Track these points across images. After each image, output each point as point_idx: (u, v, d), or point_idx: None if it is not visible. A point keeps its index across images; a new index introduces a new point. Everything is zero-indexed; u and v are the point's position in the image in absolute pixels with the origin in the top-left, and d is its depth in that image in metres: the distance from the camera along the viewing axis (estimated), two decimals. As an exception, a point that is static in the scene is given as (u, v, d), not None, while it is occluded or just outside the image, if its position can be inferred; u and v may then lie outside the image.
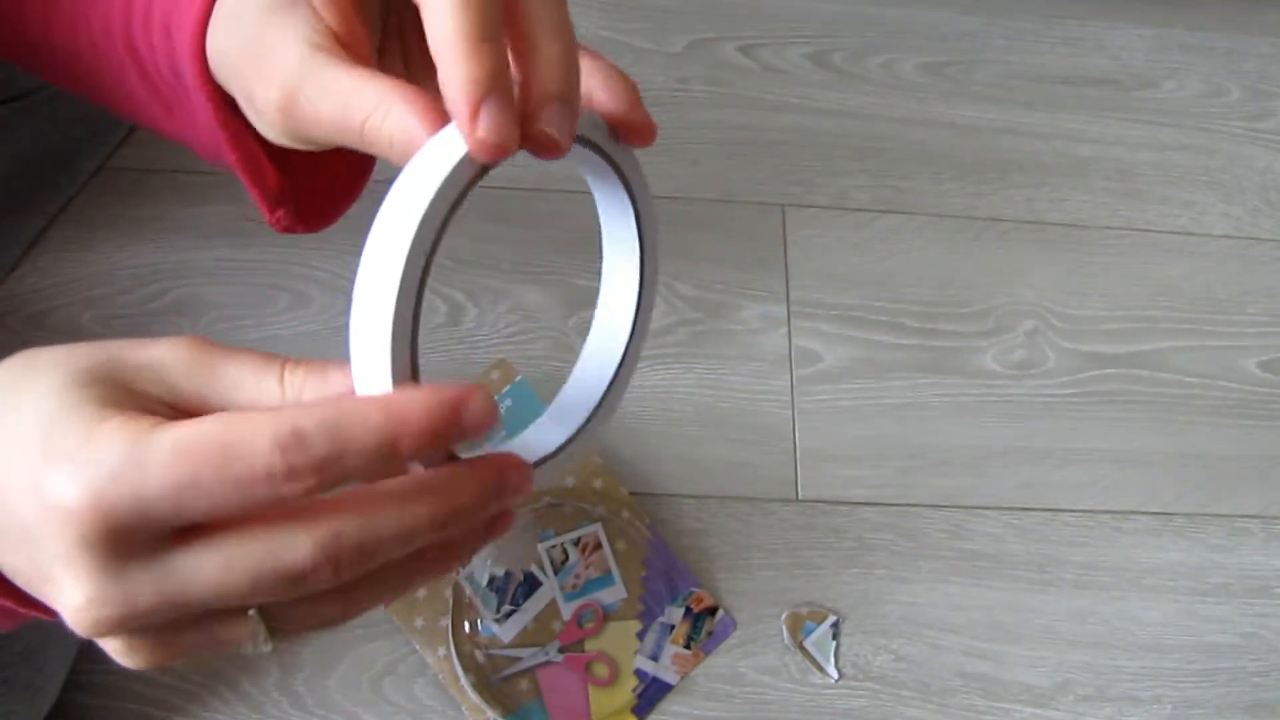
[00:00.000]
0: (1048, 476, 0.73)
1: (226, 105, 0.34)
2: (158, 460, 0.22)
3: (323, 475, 0.23)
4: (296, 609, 0.26)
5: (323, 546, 0.23)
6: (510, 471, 0.27)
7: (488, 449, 0.31)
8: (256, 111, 0.32)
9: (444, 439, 0.24)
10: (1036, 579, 0.70)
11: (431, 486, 0.25)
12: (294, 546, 0.23)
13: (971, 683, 0.66)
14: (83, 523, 0.23)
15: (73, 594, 0.24)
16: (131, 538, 0.23)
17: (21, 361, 0.26)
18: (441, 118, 0.28)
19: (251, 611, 0.26)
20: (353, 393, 0.26)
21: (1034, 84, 0.89)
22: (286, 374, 0.26)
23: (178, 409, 0.25)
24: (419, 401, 0.23)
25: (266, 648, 0.27)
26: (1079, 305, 0.80)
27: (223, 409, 0.25)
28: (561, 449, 0.33)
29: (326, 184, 0.41)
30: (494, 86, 0.26)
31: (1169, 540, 0.72)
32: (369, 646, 0.63)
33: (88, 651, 0.60)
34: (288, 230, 0.39)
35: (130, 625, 0.24)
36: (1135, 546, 0.72)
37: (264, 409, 0.24)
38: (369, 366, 0.25)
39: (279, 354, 0.27)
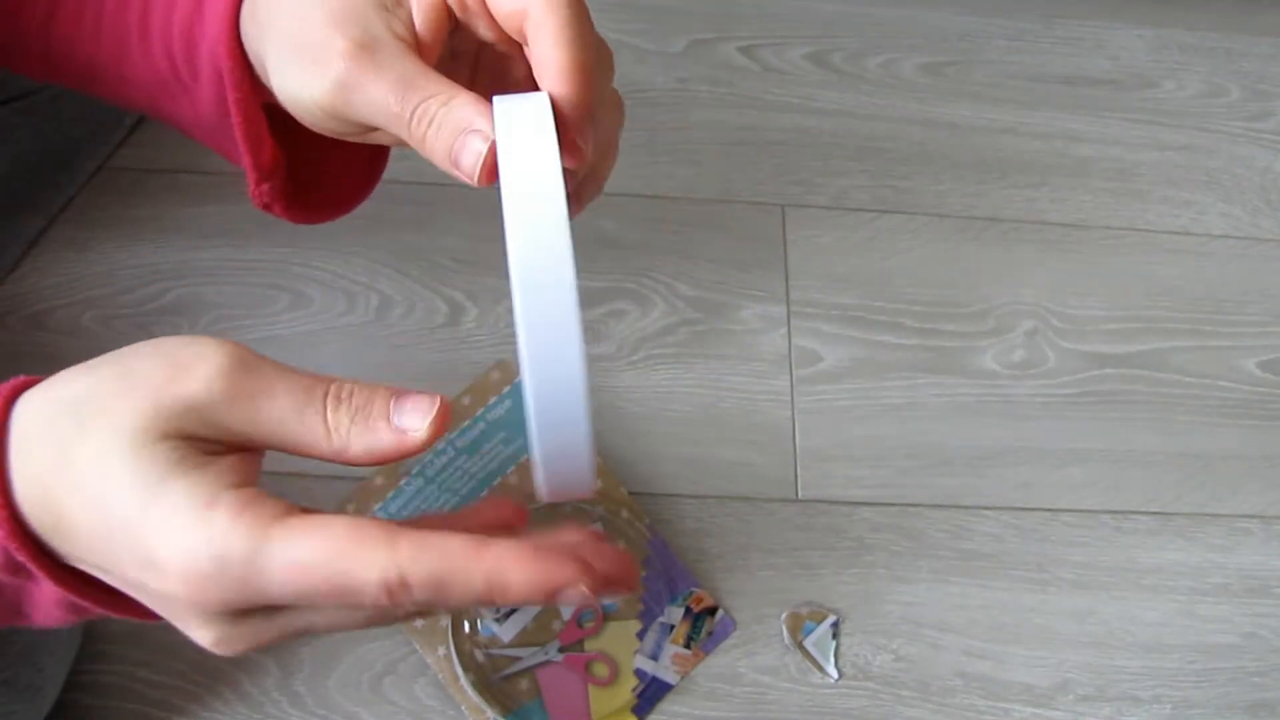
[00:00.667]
0: (1048, 476, 0.73)
1: (245, 68, 0.35)
2: (279, 574, 0.24)
3: (424, 609, 0.26)
4: None
5: (419, 606, 0.26)
6: (624, 577, 0.27)
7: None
8: (301, 82, 0.32)
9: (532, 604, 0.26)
10: (1036, 579, 0.70)
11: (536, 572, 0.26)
12: (397, 610, 0.26)
13: (971, 683, 0.66)
14: (210, 606, 0.26)
15: (203, 637, 0.27)
16: (252, 611, 0.26)
17: (63, 410, 0.26)
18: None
19: None
20: (409, 441, 0.27)
21: (1034, 84, 0.89)
22: (330, 416, 0.26)
23: (230, 444, 0.27)
24: (522, 582, 0.24)
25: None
26: (1079, 305, 0.80)
27: (269, 444, 0.27)
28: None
29: (327, 184, 0.42)
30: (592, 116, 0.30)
31: (1169, 540, 0.72)
32: (369, 646, 0.63)
33: (88, 651, 0.60)
34: (266, 208, 0.39)
35: (257, 650, 0.28)
36: (1135, 546, 0.72)
37: (317, 453, 0.26)
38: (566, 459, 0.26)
39: (318, 378, 0.27)
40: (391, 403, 0.27)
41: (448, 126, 0.30)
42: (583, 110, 0.30)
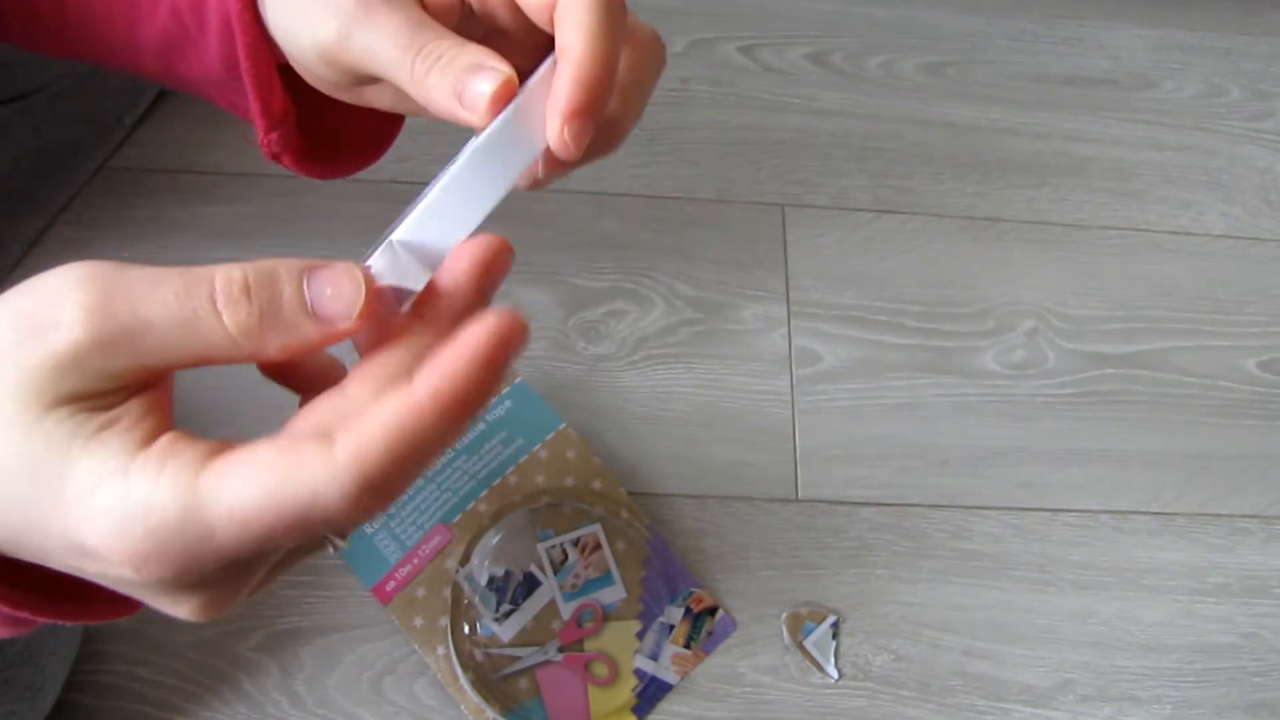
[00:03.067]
0: (1048, 476, 0.73)
1: (253, 11, 0.34)
2: (223, 529, 0.22)
3: (405, 489, 0.22)
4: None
5: (392, 494, 0.23)
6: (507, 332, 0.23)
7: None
8: (303, 22, 0.31)
9: (500, 379, 0.23)
10: (1036, 579, 0.70)
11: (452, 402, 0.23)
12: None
13: (971, 683, 0.66)
14: (167, 579, 0.23)
15: (179, 612, 0.24)
16: (217, 572, 0.23)
17: None
18: (511, 88, 0.28)
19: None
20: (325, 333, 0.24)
21: (1034, 84, 0.89)
22: (230, 321, 0.23)
23: (128, 385, 0.23)
24: (467, 376, 0.22)
25: (344, 544, 0.27)
26: (1079, 305, 0.80)
27: (170, 368, 0.24)
28: None
29: (339, 140, 0.41)
30: (603, 103, 0.28)
31: (1169, 540, 0.72)
32: (369, 646, 0.63)
33: (88, 651, 0.60)
34: (274, 158, 0.38)
35: (239, 606, 0.25)
36: (1135, 546, 0.72)
37: (226, 362, 0.23)
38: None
39: (195, 278, 0.23)
40: (305, 289, 0.24)
41: (459, 63, 0.28)
42: (593, 102, 0.28)
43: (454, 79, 0.28)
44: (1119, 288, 0.81)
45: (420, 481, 0.66)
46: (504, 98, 0.28)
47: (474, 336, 0.22)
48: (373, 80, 0.32)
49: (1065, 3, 0.94)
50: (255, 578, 0.25)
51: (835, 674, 0.65)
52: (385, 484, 0.22)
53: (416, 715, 0.62)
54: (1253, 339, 0.80)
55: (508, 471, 0.67)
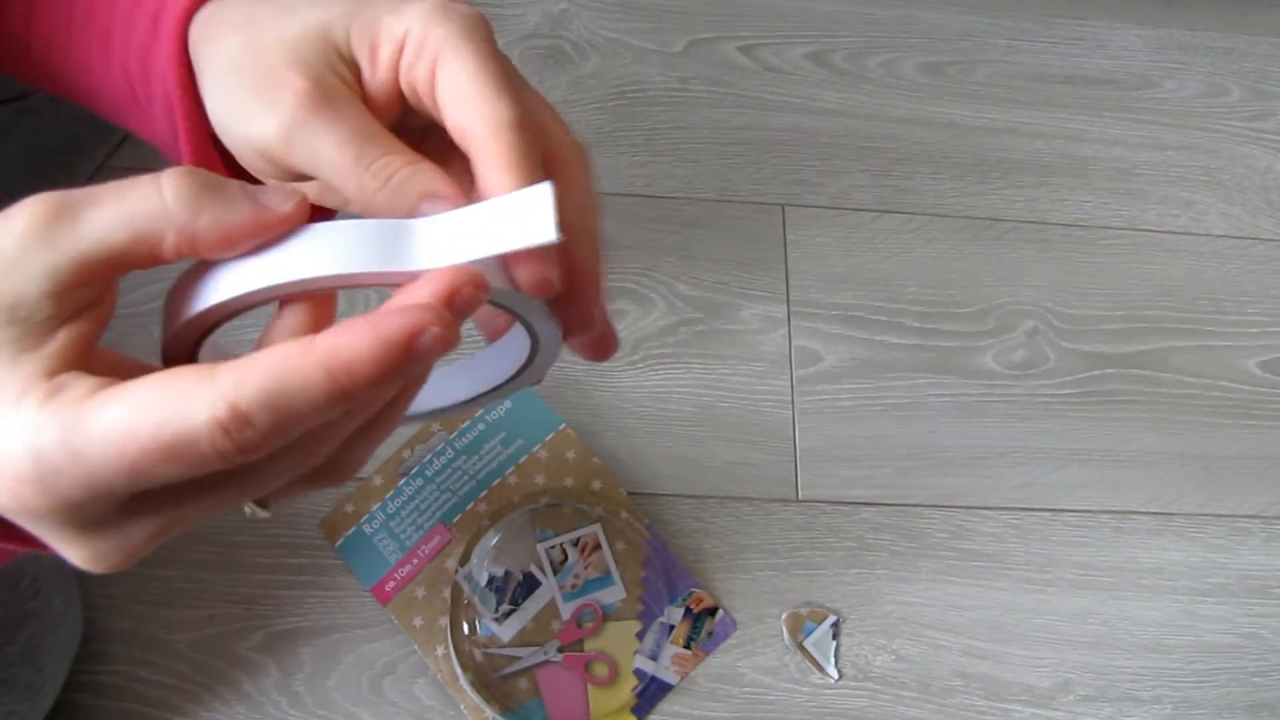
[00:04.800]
0: (1048, 476, 0.73)
1: (193, 94, 0.33)
2: (98, 450, 0.22)
3: (281, 440, 0.22)
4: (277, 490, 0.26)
5: (269, 439, 0.22)
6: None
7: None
8: (243, 117, 0.30)
9: (397, 381, 0.23)
10: (1036, 579, 0.70)
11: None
12: (261, 482, 0.24)
13: (971, 683, 0.66)
14: (52, 512, 0.22)
15: (71, 554, 0.24)
16: (99, 509, 0.23)
17: None
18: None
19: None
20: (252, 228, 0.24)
21: (1034, 84, 0.89)
22: (169, 188, 0.23)
23: (62, 311, 0.23)
24: (365, 351, 0.22)
25: (266, 514, 0.27)
26: (1079, 305, 0.80)
27: (108, 252, 0.23)
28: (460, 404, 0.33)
29: None
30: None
31: (1169, 540, 0.72)
32: (369, 646, 0.63)
33: (88, 651, 0.60)
34: None
35: (136, 558, 0.24)
36: (1135, 546, 0.72)
37: (157, 232, 0.23)
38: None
39: (130, 178, 0.23)
40: (247, 185, 0.24)
41: (411, 187, 0.28)
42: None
43: (406, 205, 0.28)
44: (1119, 288, 0.81)
45: (420, 481, 0.66)
46: None
47: (389, 322, 0.22)
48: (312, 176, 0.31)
49: (1065, 3, 0.94)
50: (145, 520, 0.24)
51: (835, 674, 0.65)
52: (258, 426, 0.21)
53: (416, 715, 0.62)
54: (1253, 339, 0.80)
55: (507, 472, 0.67)
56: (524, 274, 0.27)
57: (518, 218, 0.25)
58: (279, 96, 0.29)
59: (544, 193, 0.25)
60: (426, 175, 0.28)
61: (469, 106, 0.28)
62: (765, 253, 0.78)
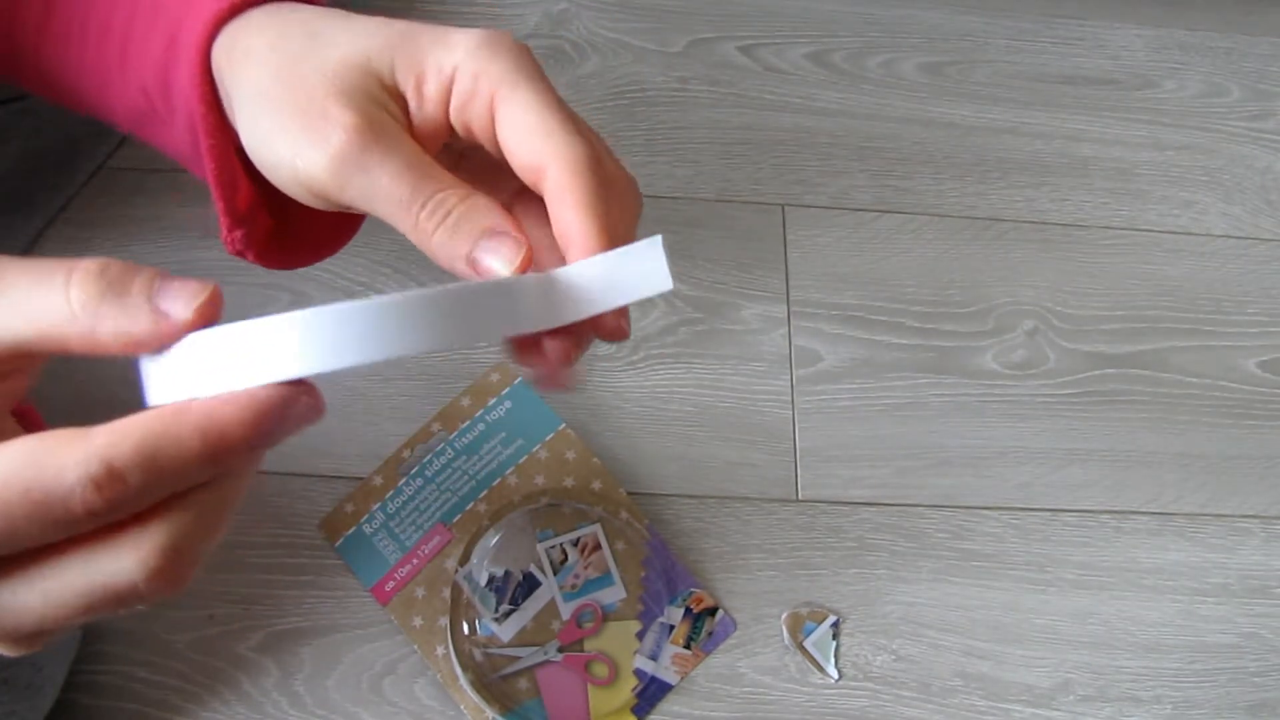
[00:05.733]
0: (1048, 476, 0.73)
1: (218, 111, 0.33)
2: None
3: (146, 500, 0.22)
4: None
5: (148, 563, 0.23)
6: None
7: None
8: (291, 150, 0.29)
9: (268, 447, 0.23)
10: (1036, 579, 0.70)
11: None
12: (120, 570, 0.23)
13: (972, 683, 0.66)
14: None
15: None
16: None
17: None
18: (528, 265, 0.28)
19: None
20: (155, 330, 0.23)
21: (1034, 84, 0.89)
22: (74, 291, 0.23)
23: None
24: (237, 418, 0.22)
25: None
26: (1079, 305, 0.80)
27: (12, 341, 0.23)
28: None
29: (303, 232, 0.40)
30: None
31: (1169, 540, 0.72)
32: (369, 646, 0.63)
33: (88, 651, 0.60)
34: (239, 254, 0.37)
35: (28, 642, 0.24)
36: (1135, 546, 0.72)
37: (60, 335, 0.23)
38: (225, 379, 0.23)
39: (67, 260, 0.24)
40: (155, 283, 0.24)
41: (470, 226, 0.28)
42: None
43: (466, 245, 0.28)
44: (1119, 288, 0.81)
45: (420, 481, 0.66)
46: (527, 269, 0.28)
47: (260, 396, 0.23)
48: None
49: (1065, 2, 0.94)
50: (23, 604, 0.23)
51: (835, 674, 0.65)
52: (130, 482, 0.22)
53: (416, 715, 0.62)
54: (1253, 339, 0.80)
55: (507, 472, 0.67)
56: (610, 321, 0.30)
57: (635, 269, 0.27)
58: (326, 131, 0.28)
59: (657, 246, 0.27)
60: (483, 212, 0.28)
61: (541, 147, 0.29)
62: (765, 253, 0.78)
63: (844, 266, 0.79)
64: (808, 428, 0.72)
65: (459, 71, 0.29)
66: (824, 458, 0.72)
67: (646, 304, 0.75)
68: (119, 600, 0.23)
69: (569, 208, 0.28)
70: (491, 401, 0.69)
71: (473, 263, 0.28)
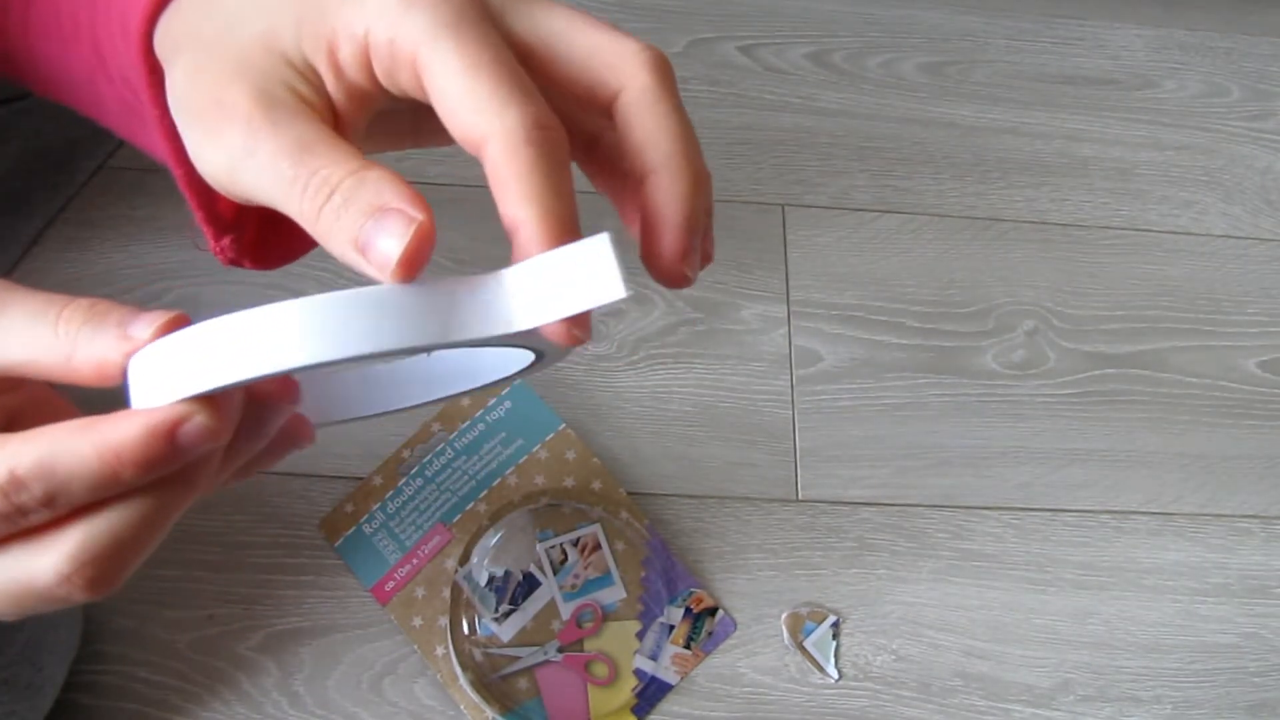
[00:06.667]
0: (1048, 476, 0.73)
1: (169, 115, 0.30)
2: None
3: (53, 506, 0.23)
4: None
5: (59, 566, 0.23)
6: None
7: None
8: (201, 146, 0.26)
9: (166, 465, 0.23)
10: (1036, 579, 0.70)
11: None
12: (38, 569, 0.24)
13: (972, 683, 0.66)
14: None
15: None
16: None
17: None
18: (427, 244, 0.24)
19: None
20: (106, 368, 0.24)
21: (1034, 84, 0.89)
22: (61, 321, 0.24)
23: None
24: (132, 435, 0.23)
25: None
26: (1079, 305, 0.80)
27: (6, 371, 0.25)
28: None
29: (286, 229, 0.36)
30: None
31: (1169, 540, 0.72)
32: (369, 646, 0.63)
33: (88, 651, 0.60)
34: (233, 263, 0.34)
35: None
36: (1135, 546, 0.72)
37: (44, 361, 0.24)
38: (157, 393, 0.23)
39: (63, 296, 0.25)
40: (129, 315, 0.24)
41: (357, 202, 0.23)
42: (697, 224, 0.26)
43: (352, 226, 0.23)
44: (1119, 288, 0.81)
45: (420, 481, 0.66)
46: (418, 258, 0.23)
47: (153, 416, 0.23)
48: None
49: (1065, 2, 0.94)
50: None
51: (835, 674, 0.65)
52: (33, 491, 0.23)
53: (416, 715, 0.62)
54: (1253, 339, 0.80)
55: (507, 472, 0.67)
56: (559, 331, 0.23)
57: (580, 273, 0.21)
58: (221, 121, 0.25)
59: (604, 244, 0.21)
60: (372, 186, 0.23)
61: (472, 121, 0.24)
62: (765, 253, 0.78)
63: (844, 266, 0.79)
64: (808, 428, 0.72)
65: (371, 35, 0.25)
66: (824, 458, 0.72)
67: (646, 304, 0.75)
68: (41, 598, 0.24)
69: (504, 196, 0.24)
70: (491, 401, 0.69)
71: (361, 247, 0.23)
